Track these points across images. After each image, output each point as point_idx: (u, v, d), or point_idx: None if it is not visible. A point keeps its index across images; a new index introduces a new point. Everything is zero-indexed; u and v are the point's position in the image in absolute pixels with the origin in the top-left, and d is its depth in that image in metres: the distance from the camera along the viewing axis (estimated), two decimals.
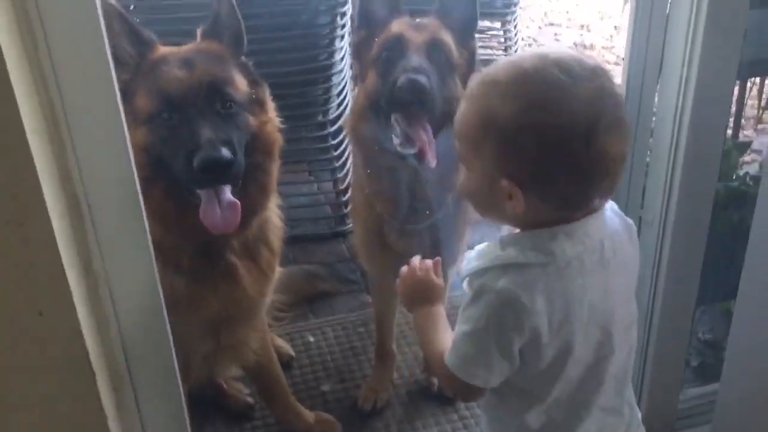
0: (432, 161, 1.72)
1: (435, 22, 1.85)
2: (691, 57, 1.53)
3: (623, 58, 1.66)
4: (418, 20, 1.88)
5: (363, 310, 2.68)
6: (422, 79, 1.67)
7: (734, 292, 1.74)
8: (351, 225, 3.11)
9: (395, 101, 1.72)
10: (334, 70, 2.99)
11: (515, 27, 4.57)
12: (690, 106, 1.58)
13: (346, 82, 3.13)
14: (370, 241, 2.00)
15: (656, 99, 1.67)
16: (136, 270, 1.18)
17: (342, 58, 3.02)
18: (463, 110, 1.15)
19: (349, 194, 2.86)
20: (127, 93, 1.46)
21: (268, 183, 1.68)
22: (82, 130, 1.04)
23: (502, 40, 4.54)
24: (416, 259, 1.38)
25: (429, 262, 1.37)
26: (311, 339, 2.48)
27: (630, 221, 1.27)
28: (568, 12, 6.87)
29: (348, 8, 2.90)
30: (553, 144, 1.07)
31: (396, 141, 1.73)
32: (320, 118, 3.09)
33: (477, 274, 1.16)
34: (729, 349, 1.80)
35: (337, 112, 3.07)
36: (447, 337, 1.25)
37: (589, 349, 1.19)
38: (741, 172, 2.28)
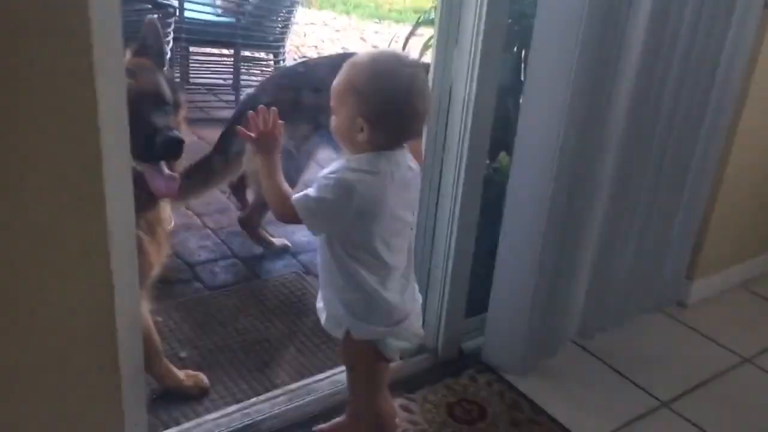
0: None
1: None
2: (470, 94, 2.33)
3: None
4: None
5: (196, 294, 3.14)
6: None
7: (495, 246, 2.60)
8: None
9: None
10: None
11: (283, 58, 5.39)
12: (471, 118, 2.35)
13: None
14: None
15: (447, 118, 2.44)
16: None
17: None
18: (337, 80, 1.80)
19: None
20: None
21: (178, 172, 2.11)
22: None
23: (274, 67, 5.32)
24: (262, 109, 1.79)
25: (273, 112, 1.80)
26: (159, 319, 2.83)
27: (415, 164, 1.91)
28: (316, 47, 7.75)
29: None
30: (387, 100, 1.73)
31: None
32: None
33: (332, 172, 1.77)
34: (493, 285, 2.65)
35: None
36: (283, 180, 1.81)
37: (390, 226, 1.83)
38: None
